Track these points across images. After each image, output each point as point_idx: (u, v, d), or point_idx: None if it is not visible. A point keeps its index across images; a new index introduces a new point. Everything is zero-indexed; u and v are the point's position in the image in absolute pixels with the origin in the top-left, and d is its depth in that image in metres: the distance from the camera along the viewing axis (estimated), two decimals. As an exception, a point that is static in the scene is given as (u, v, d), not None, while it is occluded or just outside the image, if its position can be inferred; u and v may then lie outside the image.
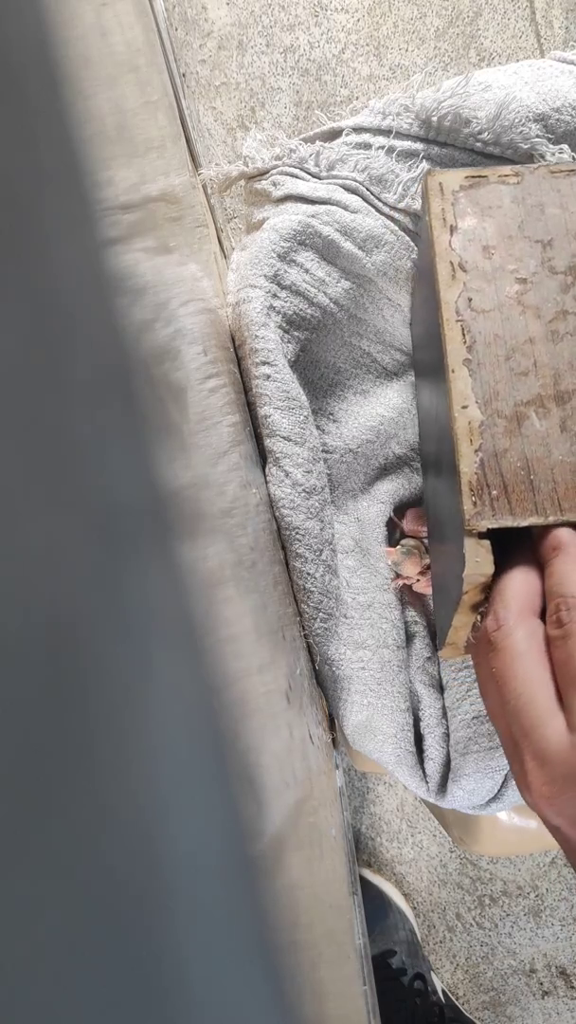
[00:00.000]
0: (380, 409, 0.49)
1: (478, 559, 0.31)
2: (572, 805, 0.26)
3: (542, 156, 0.44)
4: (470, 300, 0.35)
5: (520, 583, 0.30)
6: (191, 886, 0.09)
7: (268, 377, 0.43)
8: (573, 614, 0.28)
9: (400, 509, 0.51)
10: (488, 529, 0.31)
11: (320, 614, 0.44)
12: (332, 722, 0.48)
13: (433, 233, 0.37)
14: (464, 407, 0.33)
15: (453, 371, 0.34)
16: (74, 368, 0.09)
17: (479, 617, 0.33)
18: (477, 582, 0.31)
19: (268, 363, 0.43)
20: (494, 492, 0.31)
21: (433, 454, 0.42)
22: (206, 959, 0.08)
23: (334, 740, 0.50)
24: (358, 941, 0.41)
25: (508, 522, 0.31)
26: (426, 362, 0.42)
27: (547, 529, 0.31)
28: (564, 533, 0.30)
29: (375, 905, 0.69)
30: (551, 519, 0.31)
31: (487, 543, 0.31)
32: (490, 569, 0.30)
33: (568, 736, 0.26)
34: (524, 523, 0.31)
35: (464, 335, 0.34)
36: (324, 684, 0.45)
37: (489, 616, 0.30)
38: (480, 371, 0.34)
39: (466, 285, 0.35)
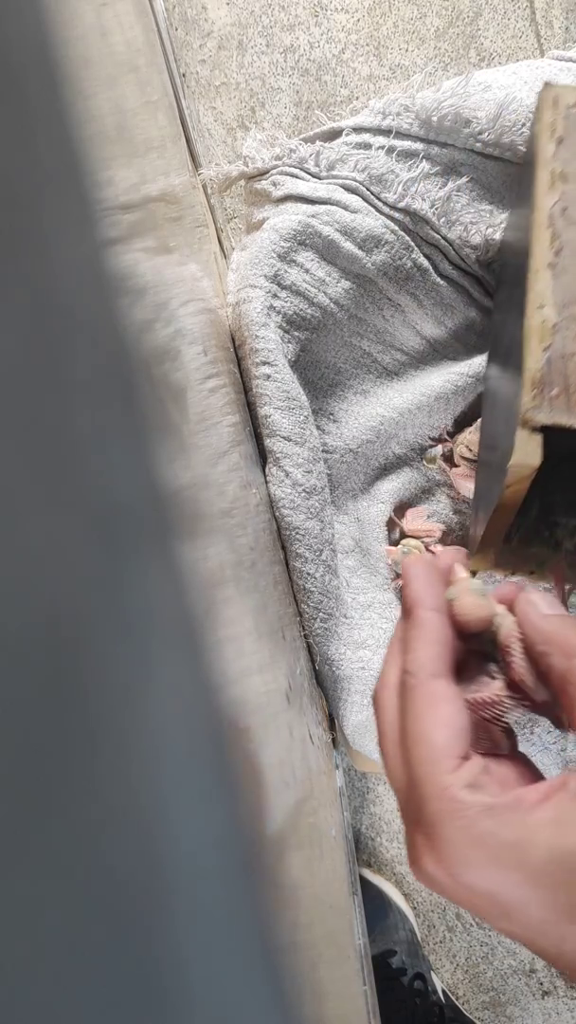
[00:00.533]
0: (380, 409, 0.49)
1: (528, 449, 0.31)
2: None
3: (542, 156, 0.44)
4: (564, 209, 0.36)
5: (426, 648, 0.26)
6: (191, 886, 0.09)
7: (268, 377, 0.43)
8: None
9: (400, 509, 0.52)
10: (542, 426, 0.32)
11: (320, 614, 0.44)
12: (332, 722, 0.48)
13: (539, 142, 0.37)
14: (541, 307, 0.34)
15: (536, 272, 0.35)
16: (74, 368, 0.09)
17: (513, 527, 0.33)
18: (523, 474, 0.32)
19: (268, 363, 0.43)
20: (555, 391, 0.32)
21: (500, 361, 0.42)
22: (206, 959, 0.08)
23: (334, 740, 0.50)
24: (358, 941, 0.41)
25: (563, 420, 0.32)
26: (511, 267, 0.43)
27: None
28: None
29: (375, 905, 0.69)
30: None
31: (539, 437, 0.32)
32: (537, 461, 0.31)
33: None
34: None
35: (553, 241, 0.35)
36: (324, 684, 0.45)
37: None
38: (562, 276, 0.34)
39: (563, 195, 0.36)
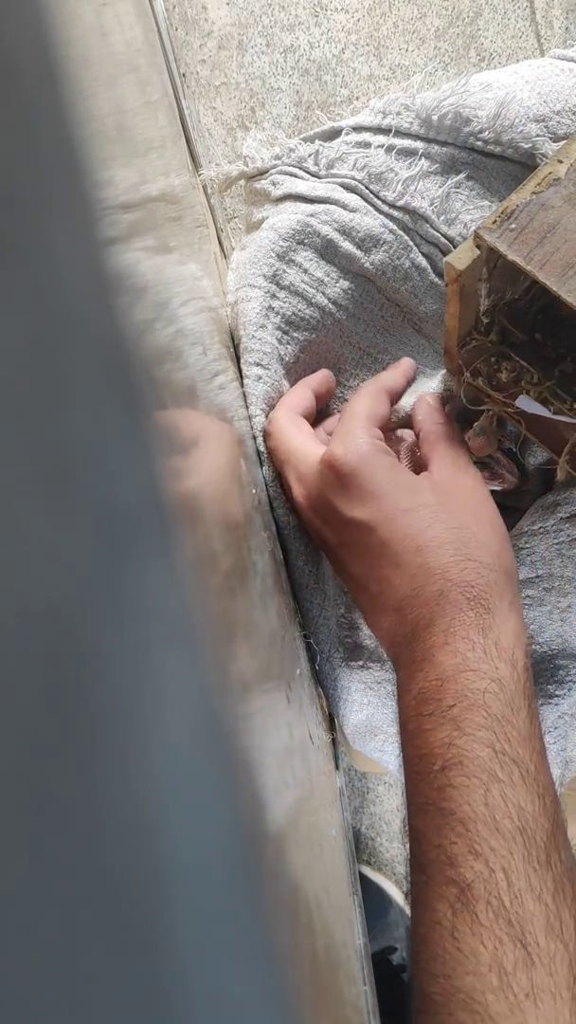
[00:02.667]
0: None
1: (462, 255, 0.36)
2: (320, 506, 0.38)
3: (544, 156, 0.44)
4: None
5: (292, 396, 0.43)
6: (191, 886, 0.09)
7: (259, 378, 0.43)
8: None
9: None
10: (487, 247, 0.36)
11: (321, 613, 0.44)
12: (332, 722, 0.48)
13: None
14: (559, 161, 0.37)
15: (571, 145, 0.38)
16: (74, 368, 0.09)
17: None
18: (450, 274, 0.37)
19: (260, 364, 0.43)
20: (513, 225, 0.36)
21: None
22: (205, 959, 0.08)
23: (334, 740, 0.50)
24: (358, 941, 0.41)
25: (501, 247, 0.36)
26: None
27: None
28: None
29: (375, 903, 0.69)
30: (528, 268, 0.35)
31: (477, 252, 0.36)
32: (461, 266, 0.36)
33: (321, 455, 0.38)
34: (508, 256, 0.36)
35: None
36: (324, 684, 0.45)
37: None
38: None
39: None
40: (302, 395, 0.43)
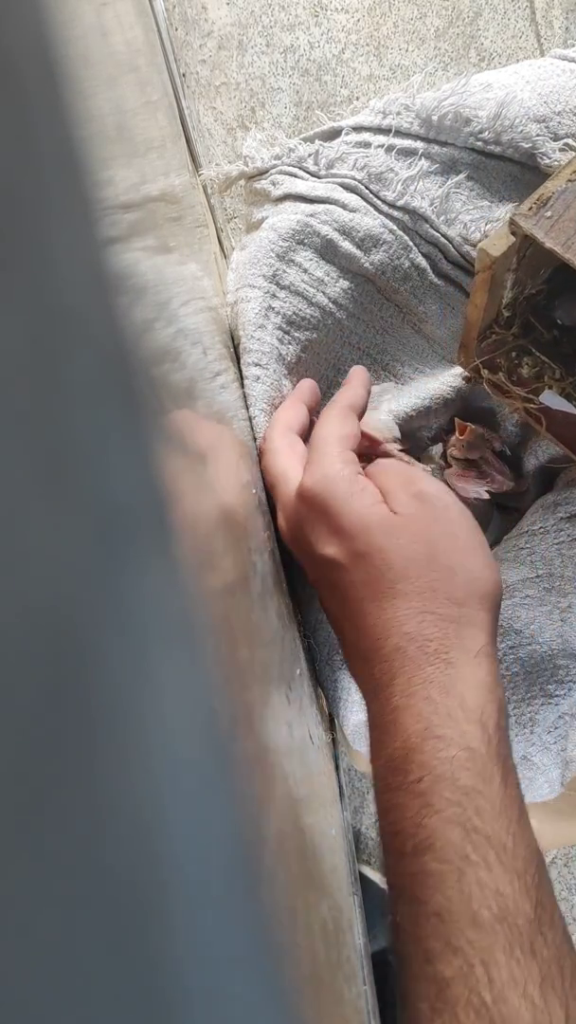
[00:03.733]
0: (378, 413, 0.49)
1: (497, 242, 0.36)
2: (297, 536, 0.37)
3: (544, 155, 0.44)
4: None
5: (287, 411, 0.42)
6: (190, 886, 0.09)
7: (258, 379, 0.43)
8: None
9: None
10: (522, 234, 0.36)
11: (320, 614, 0.44)
12: (332, 722, 0.48)
13: None
14: None
15: None
16: (74, 368, 0.09)
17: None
18: (484, 260, 0.36)
19: (259, 365, 0.43)
20: (549, 212, 0.36)
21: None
22: (205, 959, 0.08)
23: (334, 740, 0.50)
24: (358, 941, 0.41)
25: (539, 235, 0.35)
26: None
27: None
28: (355, 371, 0.44)
29: (375, 903, 0.69)
30: (567, 256, 0.35)
31: (512, 239, 0.36)
32: (496, 252, 0.36)
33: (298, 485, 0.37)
34: (546, 244, 0.35)
35: None
36: (324, 684, 0.45)
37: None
38: None
39: None
40: (297, 411, 0.42)
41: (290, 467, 0.38)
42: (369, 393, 0.43)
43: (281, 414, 0.42)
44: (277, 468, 0.39)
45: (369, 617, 0.32)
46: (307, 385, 0.45)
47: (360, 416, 0.41)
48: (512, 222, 0.36)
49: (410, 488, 0.35)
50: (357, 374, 0.43)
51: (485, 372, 0.43)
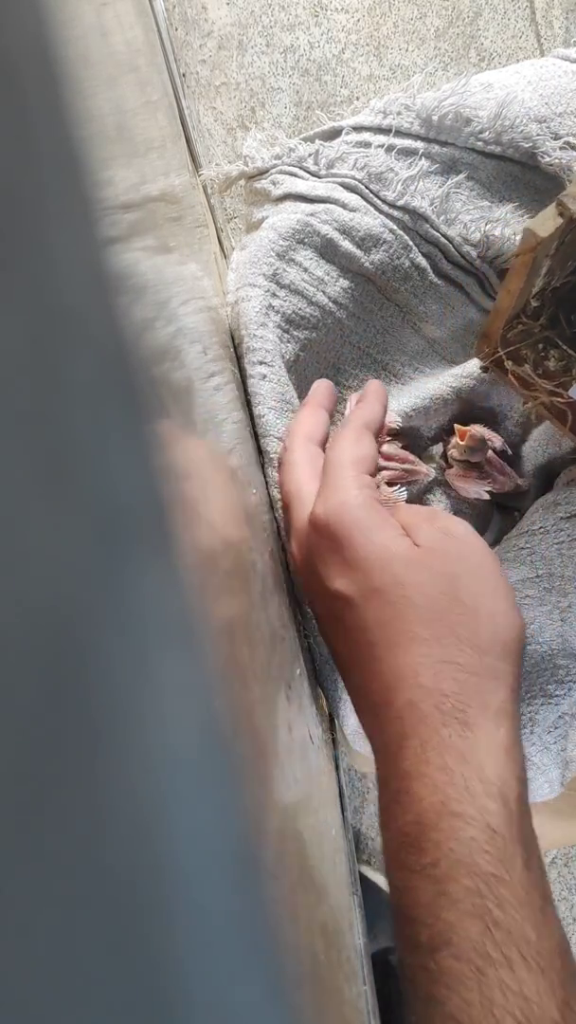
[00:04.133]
0: (380, 409, 0.49)
1: (545, 223, 0.36)
2: (307, 567, 0.34)
3: (545, 153, 0.44)
4: None
5: (306, 420, 0.39)
6: (190, 886, 0.09)
7: (264, 377, 0.43)
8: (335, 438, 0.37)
9: None
10: (570, 215, 0.35)
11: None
12: (332, 722, 0.48)
13: None
14: None
15: None
16: (74, 368, 0.09)
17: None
18: (530, 241, 0.36)
19: (264, 363, 0.43)
20: None
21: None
22: (205, 959, 0.08)
23: (334, 740, 0.50)
24: (358, 941, 0.41)
25: None
26: None
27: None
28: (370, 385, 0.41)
29: (375, 902, 0.69)
30: None
31: (559, 221, 0.36)
32: (544, 233, 0.36)
33: (311, 511, 0.34)
34: None
35: None
36: (324, 684, 0.45)
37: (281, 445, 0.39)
38: None
39: None
40: (318, 419, 0.39)
41: (305, 484, 0.36)
42: (386, 410, 0.40)
43: (300, 423, 0.39)
44: (292, 484, 0.36)
45: (381, 663, 0.29)
46: (324, 388, 0.42)
47: (377, 435, 0.38)
48: (560, 203, 0.35)
49: (435, 522, 0.33)
50: (373, 389, 0.40)
51: (509, 363, 0.43)
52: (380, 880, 0.72)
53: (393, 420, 0.48)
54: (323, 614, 0.34)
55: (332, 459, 0.35)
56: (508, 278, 0.39)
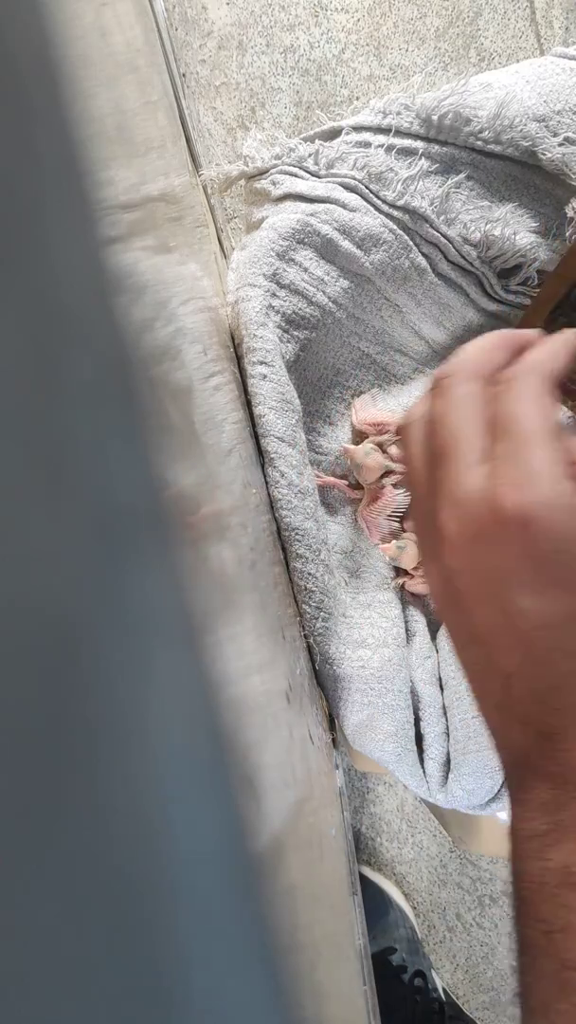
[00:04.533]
0: (378, 411, 0.49)
1: None
2: (471, 566, 0.25)
3: (544, 152, 0.44)
4: None
5: (480, 351, 0.28)
6: (191, 886, 0.09)
7: (265, 377, 0.42)
8: (510, 374, 0.26)
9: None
10: None
11: (321, 613, 0.44)
12: (332, 722, 0.48)
13: None
14: None
15: None
16: (74, 368, 0.09)
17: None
18: None
19: (265, 363, 0.43)
20: None
21: None
22: (206, 959, 0.08)
23: (334, 740, 0.50)
24: (358, 941, 0.41)
25: None
26: None
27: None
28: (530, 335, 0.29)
29: (375, 903, 0.69)
30: None
31: None
32: None
33: (485, 483, 0.24)
34: None
35: None
36: (324, 683, 0.45)
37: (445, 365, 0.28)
38: None
39: None
40: (493, 357, 0.28)
41: (471, 438, 0.25)
42: (570, 356, 0.28)
43: (471, 354, 0.28)
44: (449, 431, 0.26)
45: None
46: (509, 333, 0.29)
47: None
48: None
49: None
50: (555, 337, 0.28)
51: None
52: (380, 880, 0.72)
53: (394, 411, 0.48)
54: (484, 632, 0.25)
55: (519, 418, 0.25)
56: (564, 259, 0.37)
